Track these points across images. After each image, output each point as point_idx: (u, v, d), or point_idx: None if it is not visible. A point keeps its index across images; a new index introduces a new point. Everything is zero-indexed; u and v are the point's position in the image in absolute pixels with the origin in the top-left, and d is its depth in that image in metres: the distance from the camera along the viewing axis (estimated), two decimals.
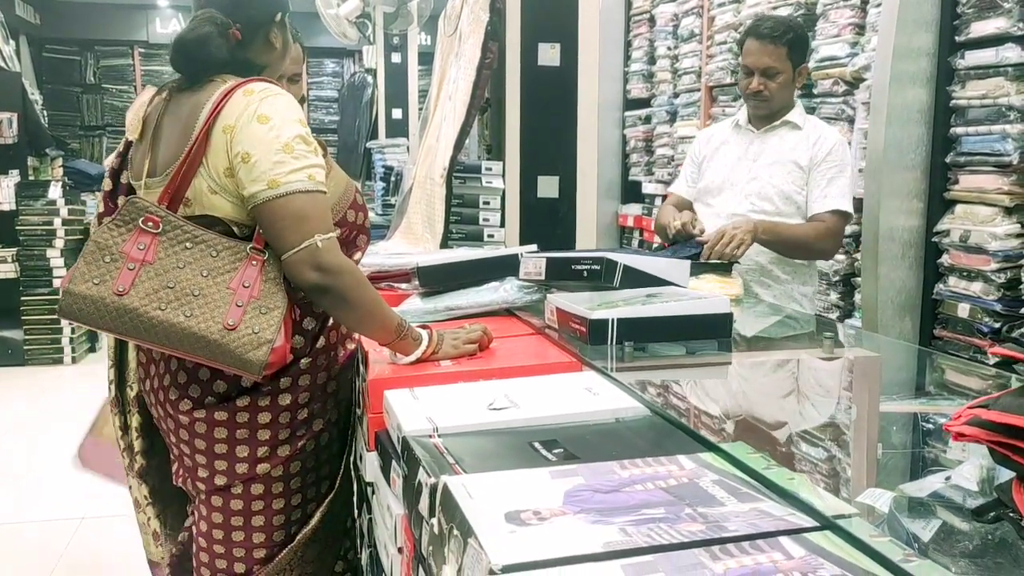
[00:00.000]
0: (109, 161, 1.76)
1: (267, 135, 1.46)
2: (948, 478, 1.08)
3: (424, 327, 1.66)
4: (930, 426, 1.34)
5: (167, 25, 10.66)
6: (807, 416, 1.51)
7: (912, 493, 1.05)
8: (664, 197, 5.11)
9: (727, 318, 1.76)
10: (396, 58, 8.28)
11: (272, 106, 1.49)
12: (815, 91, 3.53)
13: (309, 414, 1.64)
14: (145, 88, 1.70)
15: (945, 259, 2.83)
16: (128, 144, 1.68)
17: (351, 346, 1.74)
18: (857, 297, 3.26)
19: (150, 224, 1.47)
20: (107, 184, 1.73)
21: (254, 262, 1.49)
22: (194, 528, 1.69)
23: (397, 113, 8.34)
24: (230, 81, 1.54)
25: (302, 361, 1.62)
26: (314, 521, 1.67)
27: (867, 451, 1.33)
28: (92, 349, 6.37)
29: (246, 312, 1.45)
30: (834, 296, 3.40)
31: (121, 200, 1.63)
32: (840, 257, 3.33)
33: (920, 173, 2.87)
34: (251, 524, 1.63)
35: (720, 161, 2.69)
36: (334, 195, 1.63)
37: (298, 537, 1.65)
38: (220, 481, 1.61)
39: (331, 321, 1.67)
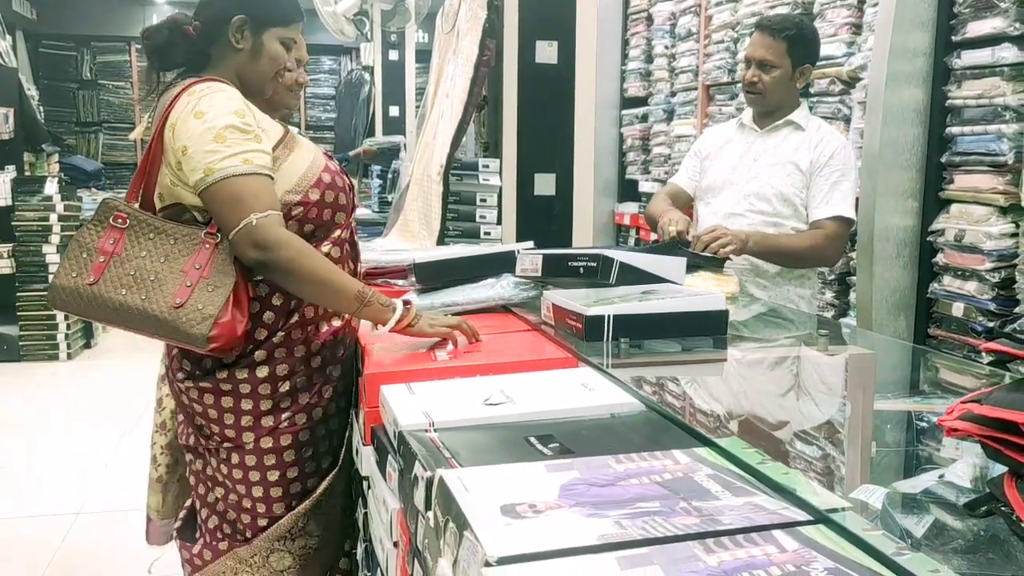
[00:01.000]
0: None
1: (200, 128, 1.59)
2: (941, 476, 1.09)
3: (401, 300, 1.72)
4: (924, 424, 1.35)
5: None
6: (801, 413, 1.52)
7: (905, 490, 1.06)
8: (654, 199, 5.13)
9: (723, 315, 1.76)
10: (393, 55, 8.28)
11: (208, 102, 1.61)
12: (812, 90, 3.54)
13: (292, 387, 1.72)
14: None
15: (940, 258, 2.84)
16: None
17: (336, 323, 1.78)
18: (852, 296, 3.27)
19: (119, 221, 1.63)
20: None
21: (207, 245, 1.61)
22: (202, 488, 1.80)
23: (394, 111, 8.34)
24: (186, 83, 1.67)
25: (276, 335, 1.70)
26: (316, 494, 1.74)
27: (861, 448, 1.34)
28: (87, 345, 6.37)
29: (194, 291, 1.58)
30: (829, 295, 3.41)
31: None
32: None
33: (916, 172, 2.88)
34: (252, 493, 1.73)
35: (722, 160, 2.69)
36: (294, 176, 1.69)
37: (298, 508, 1.73)
38: (213, 444, 1.74)
39: None
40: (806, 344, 2.00)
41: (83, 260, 1.61)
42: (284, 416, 1.72)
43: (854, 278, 3.17)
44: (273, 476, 1.72)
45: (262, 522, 1.74)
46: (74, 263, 1.62)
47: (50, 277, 5.83)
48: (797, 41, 2.52)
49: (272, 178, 1.63)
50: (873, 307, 2.89)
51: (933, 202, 2.87)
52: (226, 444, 1.72)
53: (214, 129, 1.58)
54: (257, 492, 1.72)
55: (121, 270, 1.60)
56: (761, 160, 2.58)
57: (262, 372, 1.69)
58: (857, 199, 2.95)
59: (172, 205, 1.67)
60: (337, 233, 1.76)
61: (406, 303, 1.71)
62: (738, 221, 2.56)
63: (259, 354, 1.69)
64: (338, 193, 1.76)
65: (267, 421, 1.71)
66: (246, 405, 1.70)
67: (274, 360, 1.70)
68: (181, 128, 1.60)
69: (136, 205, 1.66)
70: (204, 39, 1.73)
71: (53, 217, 5.91)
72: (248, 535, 1.75)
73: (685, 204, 2.88)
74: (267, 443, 1.71)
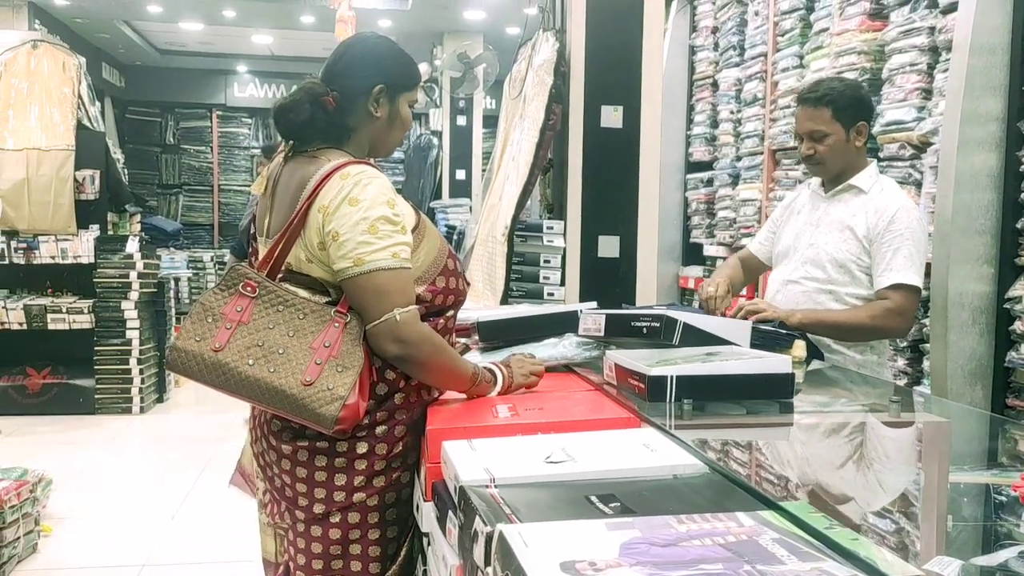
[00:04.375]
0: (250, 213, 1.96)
1: (355, 216, 1.60)
2: (1022, 552, 1.04)
3: (494, 364, 1.79)
4: (1003, 498, 1.30)
5: (244, 89, 11.12)
6: (871, 481, 1.47)
7: (982, 563, 1.01)
8: (726, 259, 5.10)
9: (789, 379, 1.73)
10: (461, 121, 8.50)
11: (364, 191, 1.62)
12: (881, 155, 3.51)
13: (404, 447, 1.71)
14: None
15: (1017, 326, 2.75)
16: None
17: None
18: (926, 364, 3.17)
19: (248, 289, 1.63)
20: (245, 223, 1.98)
21: (336, 324, 1.61)
22: (291, 563, 1.74)
23: (461, 174, 8.52)
24: (334, 160, 1.67)
25: (396, 396, 1.70)
26: (404, 552, 1.71)
27: (936, 520, 1.29)
28: (160, 400, 6.53)
29: (324, 370, 1.57)
30: (902, 362, 3.32)
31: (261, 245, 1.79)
32: None
33: (990, 238, 2.81)
34: (349, 552, 1.68)
35: (791, 227, 2.63)
36: (425, 263, 1.72)
37: (389, 572, 1.69)
38: (319, 509, 1.67)
39: None
40: (877, 410, 1.94)
41: (208, 324, 1.60)
42: (394, 476, 1.68)
43: (928, 345, 3.08)
44: (374, 535, 1.68)
45: None
46: (198, 327, 1.60)
47: (128, 332, 6.08)
48: (840, 104, 2.43)
49: (410, 269, 1.65)
50: (948, 375, 2.80)
51: (1009, 268, 2.79)
52: (333, 509, 1.67)
53: (368, 220, 1.59)
54: (355, 550, 1.68)
55: (248, 340, 1.58)
56: (821, 226, 2.51)
57: (381, 430, 1.67)
58: (929, 264, 2.89)
59: (300, 274, 1.67)
60: (450, 313, 1.79)
61: (500, 368, 1.80)
62: (793, 288, 2.50)
63: (380, 414, 1.67)
64: (459, 279, 1.79)
65: (379, 481, 1.67)
66: (360, 465, 1.67)
67: (394, 420, 1.69)
68: (336, 214, 1.60)
69: (264, 274, 1.66)
70: (342, 110, 1.72)
71: (133, 275, 6.11)
72: None
73: (755, 270, 2.84)
74: (373, 501, 1.67)
